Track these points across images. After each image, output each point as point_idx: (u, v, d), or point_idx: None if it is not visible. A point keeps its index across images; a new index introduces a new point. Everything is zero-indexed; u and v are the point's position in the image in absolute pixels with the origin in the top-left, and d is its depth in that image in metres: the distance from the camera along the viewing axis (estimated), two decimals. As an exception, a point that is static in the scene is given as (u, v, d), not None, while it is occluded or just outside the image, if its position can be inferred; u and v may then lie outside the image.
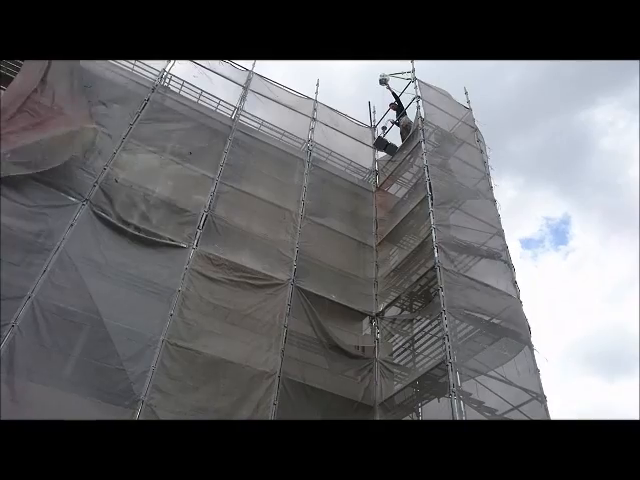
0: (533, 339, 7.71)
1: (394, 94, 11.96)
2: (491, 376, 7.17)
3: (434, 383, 7.39)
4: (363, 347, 8.57)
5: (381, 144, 11.72)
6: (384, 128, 12.14)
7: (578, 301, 34.13)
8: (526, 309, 8.10)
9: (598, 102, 32.20)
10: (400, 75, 11.95)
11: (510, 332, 7.81)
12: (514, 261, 8.87)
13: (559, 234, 40.47)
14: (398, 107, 11.86)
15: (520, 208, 32.41)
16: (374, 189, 11.26)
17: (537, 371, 7.34)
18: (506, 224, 9.46)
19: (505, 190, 29.49)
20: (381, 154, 12.10)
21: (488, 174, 10.51)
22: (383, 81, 12.01)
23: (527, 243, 39.00)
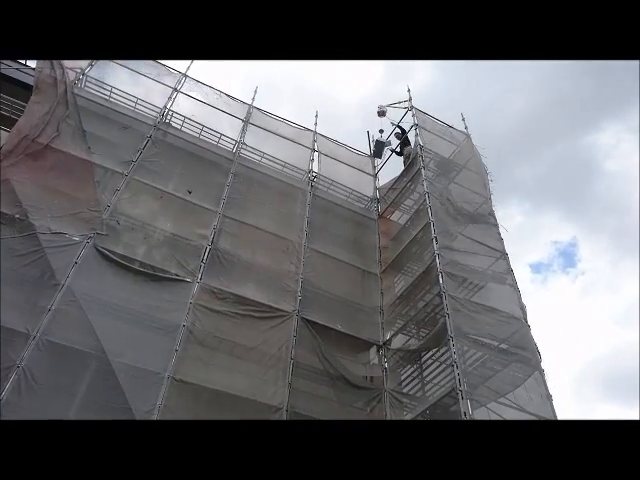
0: (546, 364, 7.60)
1: (401, 128, 12.03)
2: (503, 403, 7.03)
3: (445, 412, 7.25)
4: (371, 377, 8.45)
5: (379, 149, 11.89)
6: (381, 131, 12.30)
7: (589, 325, 33.76)
8: (538, 333, 8.01)
9: (601, 127, 32.62)
10: (398, 105, 12.12)
11: (520, 357, 7.69)
12: (525, 286, 8.86)
13: (567, 257, 40.35)
14: (402, 138, 11.94)
15: (528, 234, 32.50)
16: (376, 217, 11.30)
17: (549, 397, 7.20)
18: (515, 250, 9.48)
19: (512, 216, 29.68)
20: (382, 182, 12.19)
21: (489, 198, 10.54)
22: (381, 113, 12.17)
23: (537, 267, 38.88)
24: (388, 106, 12.16)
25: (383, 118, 12.21)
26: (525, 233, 31.88)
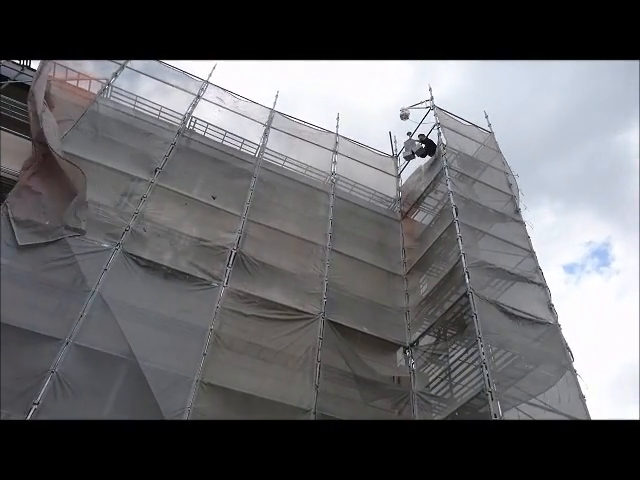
0: (582, 366, 7.46)
1: (427, 140, 11.84)
2: (534, 404, 6.91)
3: (474, 414, 7.15)
4: (399, 379, 8.40)
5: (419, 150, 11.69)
6: (409, 134, 12.04)
7: (626, 326, 32.84)
8: (575, 335, 7.87)
9: (634, 124, 31.93)
10: (420, 105, 12.04)
11: (550, 357, 7.55)
12: (559, 287, 8.71)
13: (601, 256, 39.40)
14: (427, 144, 11.74)
15: (561, 233, 31.96)
16: (400, 218, 11.24)
17: (582, 397, 7.05)
18: (548, 251, 9.31)
19: (544, 216, 29.23)
20: (404, 179, 12.12)
21: (515, 196, 10.40)
22: (404, 116, 12.09)
23: (571, 268, 38.11)
24: (410, 107, 12.09)
25: (407, 121, 12.12)
26: (558, 233, 31.32)
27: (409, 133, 12.08)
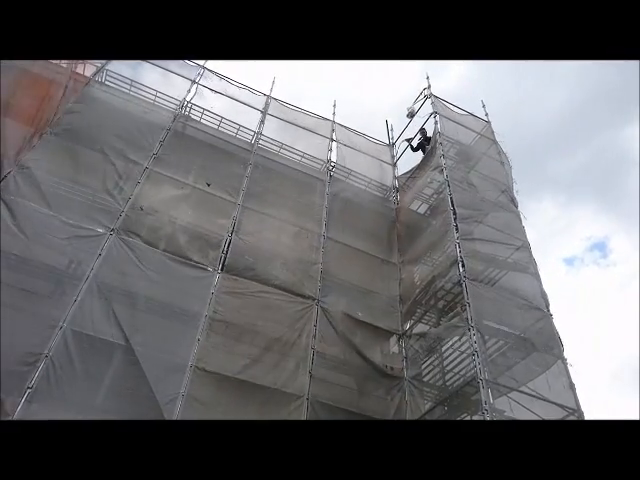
0: (579, 356, 7.54)
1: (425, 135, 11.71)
2: (525, 392, 6.99)
3: (465, 401, 7.24)
4: (392, 366, 8.47)
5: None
6: (422, 131, 11.80)
7: (628, 319, 33.07)
8: (574, 327, 7.94)
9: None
10: (421, 98, 11.95)
11: (541, 346, 7.62)
12: (558, 279, 8.73)
13: (602, 250, 39.68)
14: (427, 137, 11.63)
15: (563, 227, 32.09)
16: (395, 206, 11.24)
17: (572, 386, 7.13)
18: (549, 243, 9.31)
19: (547, 209, 29.29)
20: (401, 171, 12.08)
21: (511, 186, 10.40)
22: (410, 114, 12.03)
23: (570, 261, 38.40)
24: (414, 103, 12.02)
25: (413, 118, 12.05)
26: (560, 226, 31.44)
27: (422, 131, 11.76)
